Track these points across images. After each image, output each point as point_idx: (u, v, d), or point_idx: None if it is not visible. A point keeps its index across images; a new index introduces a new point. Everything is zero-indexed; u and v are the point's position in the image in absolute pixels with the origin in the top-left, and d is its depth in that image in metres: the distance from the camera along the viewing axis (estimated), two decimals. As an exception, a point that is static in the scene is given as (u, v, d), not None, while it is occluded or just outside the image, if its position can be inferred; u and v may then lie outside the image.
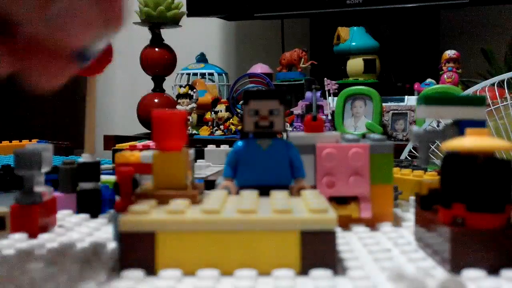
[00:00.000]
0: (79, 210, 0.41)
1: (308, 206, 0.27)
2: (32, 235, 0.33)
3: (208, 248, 0.26)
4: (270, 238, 0.27)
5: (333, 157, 0.36)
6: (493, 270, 0.26)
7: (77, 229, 0.36)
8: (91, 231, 0.36)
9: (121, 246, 0.27)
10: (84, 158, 0.41)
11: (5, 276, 0.26)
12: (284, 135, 0.36)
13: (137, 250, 0.26)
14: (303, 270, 0.26)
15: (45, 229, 0.35)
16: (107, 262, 0.28)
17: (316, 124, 0.37)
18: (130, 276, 0.25)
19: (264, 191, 0.31)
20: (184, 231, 0.26)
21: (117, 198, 0.40)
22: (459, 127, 0.30)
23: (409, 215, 0.41)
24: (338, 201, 0.36)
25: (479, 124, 0.30)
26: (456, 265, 0.26)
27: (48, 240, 0.33)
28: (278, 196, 0.30)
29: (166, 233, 0.26)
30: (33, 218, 0.34)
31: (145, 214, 0.27)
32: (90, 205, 0.41)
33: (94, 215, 0.41)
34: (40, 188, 0.35)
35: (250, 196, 0.30)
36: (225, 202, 0.29)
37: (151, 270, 0.26)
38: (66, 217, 0.40)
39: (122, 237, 0.26)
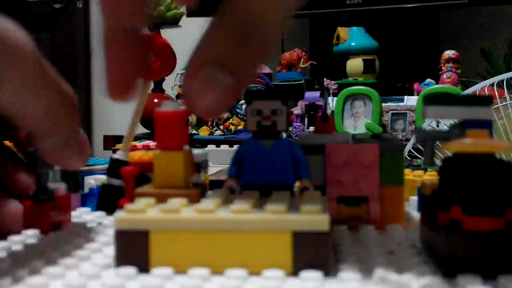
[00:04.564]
0: (99, 205, 0.41)
1: (302, 207, 0.27)
2: (44, 232, 0.33)
3: (200, 247, 0.27)
4: (262, 238, 0.27)
5: (342, 157, 0.35)
6: (490, 276, 0.25)
7: (90, 227, 0.36)
8: (104, 229, 0.36)
9: (116, 244, 0.27)
10: (119, 155, 0.41)
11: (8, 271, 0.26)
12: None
13: (131, 248, 0.27)
14: (295, 271, 0.26)
15: (58, 226, 0.35)
16: (106, 259, 0.28)
17: (326, 125, 0.37)
18: (121, 273, 0.26)
19: (268, 191, 0.31)
20: (177, 230, 0.27)
21: None
22: (465, 127, 0.29)
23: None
24: (348, 202, 0.36)
25: (486, 124, 0.28)
26: (451, 269, 0.26)
27: (59, 237, 0.33)
28: (277, 197, 0.30)
29: (159, 232, 0.27)
30: (45, 215, 0.34)
31: (140, 213, 0.27)
32: (111, 201, 0.41)
33: (111, 212, 0.41)
34: (55, 185, 0.35)
35: (248, 196, 0.30)
36: (223, 202, 0.29)
37: (144, 268, 0.26)
38: (82, 214, 0.40)
39: (117, 235, 0.27)
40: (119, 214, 0.27)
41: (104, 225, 0.37)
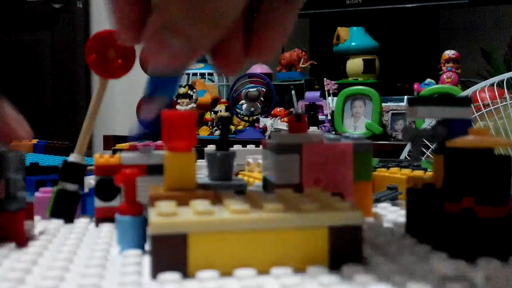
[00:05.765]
0: (54, 212, 0.38)
1: (333, 203, 0.28)
2: (20, 244, 0.31)
3: (238, 248, 0.27)
4: (299, 235, 0.27)
5: (319, 156, 0.37)
6: (503, 257, 0.27)
7: (63, 235, 0.34)
8: (80, 236, 0.34)
9: (153, 249, 0.26)
10: (73, 158, 0.39)
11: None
12: (267, 134, 0.36)
13: (169, 252, 0.26)
14: (333, 265, 0.27)
15: (28, 236, 0.32)
16: (132, 267, 0.27)
17: (300, 124, 0.38)
18: (168, 279, 0.25)
19: None
20: (215, 232, 0.26)
21: (96, 200, 0.38)
22: (448, 126, 0.32)
23: (384, 211, 0.42)
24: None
25: (467, 123, 0.32)
26: (471, 254, 0.27)
27: (43, 249, 0.31)
28: (293, 194, 0.30)
29: (197, 234, 0.26)
30: (19, 225, 0.31)
31: (175, 216, 0.26)
32: (68, 208, 0.38)
33: (69, 220, 0.38)
34: (21, 192, 0.32)
35: (268, 197, 0.30)
36: (249, 202, 0.29)
37: (183, 272, 0.26)
38: (37, 223, 0.37)
39: (153, 239, 0.26)
40: (153, 219, 0.26)
41: (76, 232, 0.35)
